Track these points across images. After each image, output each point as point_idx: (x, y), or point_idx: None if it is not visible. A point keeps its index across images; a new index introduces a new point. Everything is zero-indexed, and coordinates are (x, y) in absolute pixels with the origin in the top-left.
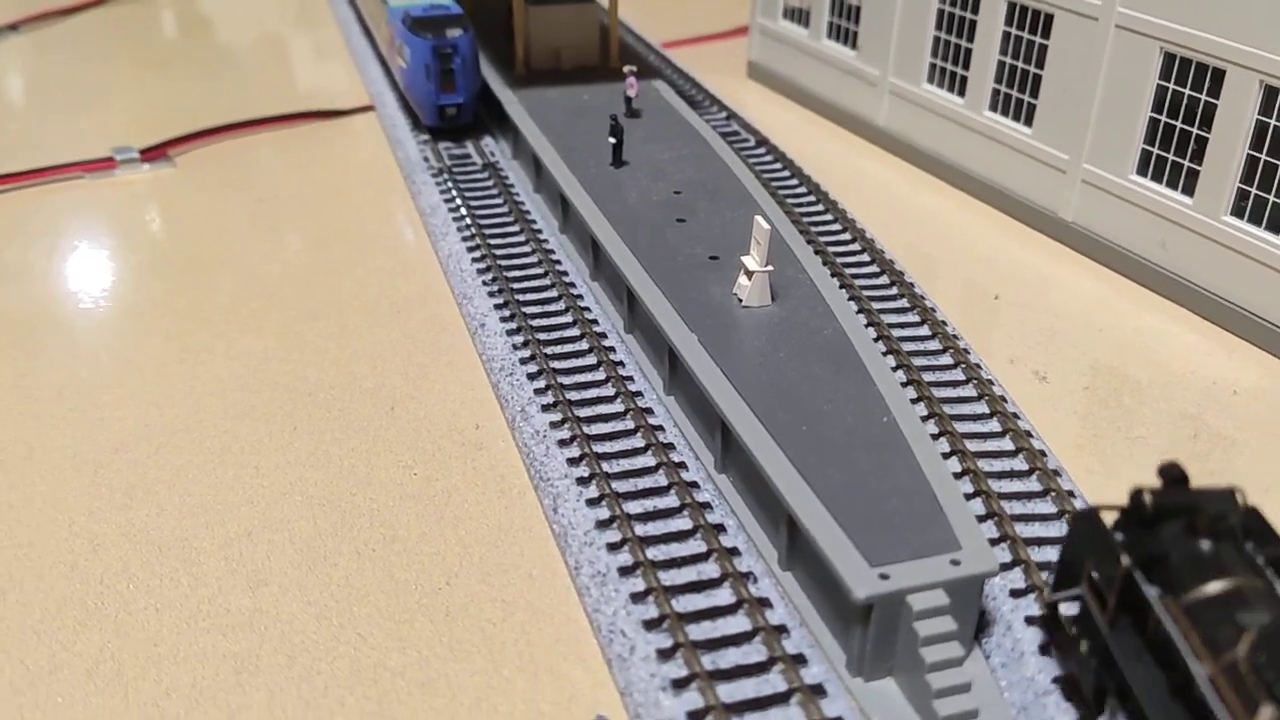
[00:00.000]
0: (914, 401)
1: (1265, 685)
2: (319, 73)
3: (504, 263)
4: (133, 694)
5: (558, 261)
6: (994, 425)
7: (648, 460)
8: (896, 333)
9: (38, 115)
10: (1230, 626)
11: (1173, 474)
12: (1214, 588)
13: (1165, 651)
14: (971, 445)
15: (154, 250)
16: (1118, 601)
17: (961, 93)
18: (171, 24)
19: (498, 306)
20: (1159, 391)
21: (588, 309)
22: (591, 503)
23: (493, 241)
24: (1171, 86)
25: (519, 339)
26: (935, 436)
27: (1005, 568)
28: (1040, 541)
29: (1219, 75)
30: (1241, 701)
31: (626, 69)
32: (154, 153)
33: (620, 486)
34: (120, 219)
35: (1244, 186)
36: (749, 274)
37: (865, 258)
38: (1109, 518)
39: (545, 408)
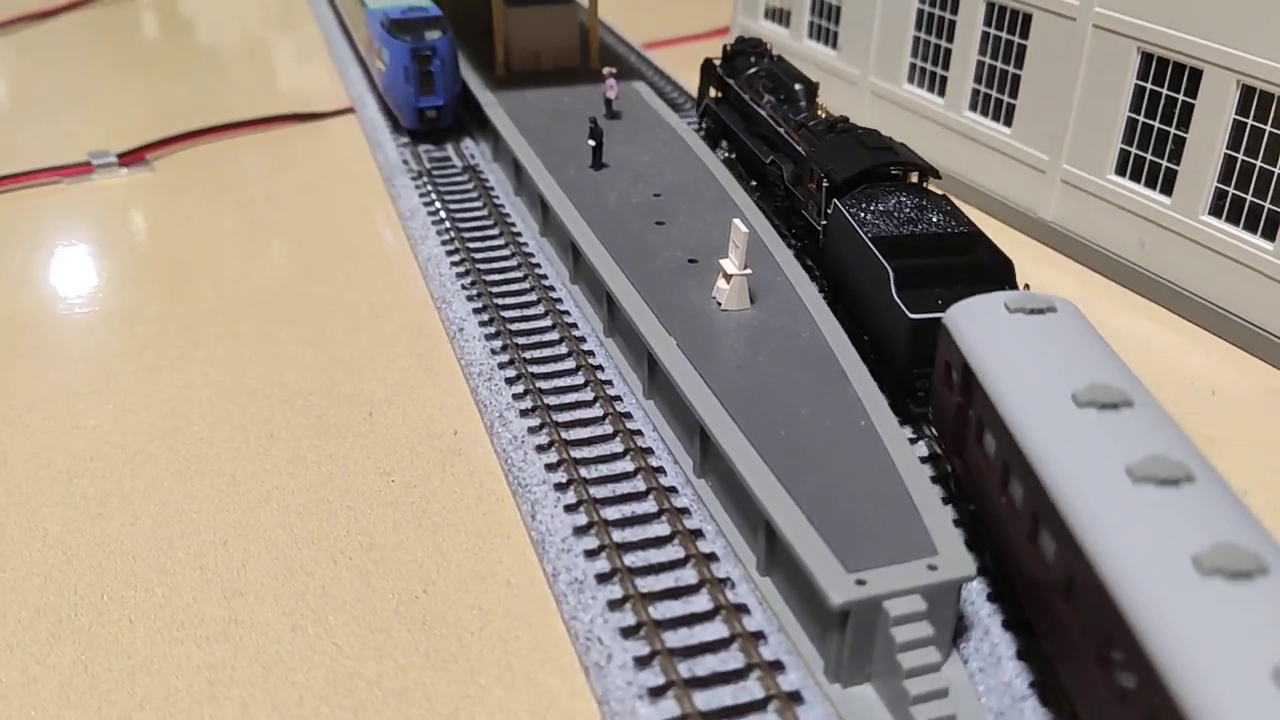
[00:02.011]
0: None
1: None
2: (299, 75)
3: (483, 267)
4: (106, 707)
5: (537, 265)
6: None
7: (626, 465)
8: None
9: (16, 119)
10: (761, 85)
11: (739, 45)
12: (751, 71)
13: (742, 109)
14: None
15: (131, 256)
16: (719, 89)
17: (941, 93)
18: (152, 26)
19: (476, 311)
20: None
21: (567, 313)
22: (569, 508)
23: (472, 245)
24: (1149, 86)
25: (498, 344)
26: (913, 440)
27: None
28: None
29: (1196, 75)
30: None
31: (606, 70)
32: (131, 157)
33: (598, 492)
34: (97, 224)
35: (1222, 186)
36: (727, 277)
37: None
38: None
39: (524, 413)
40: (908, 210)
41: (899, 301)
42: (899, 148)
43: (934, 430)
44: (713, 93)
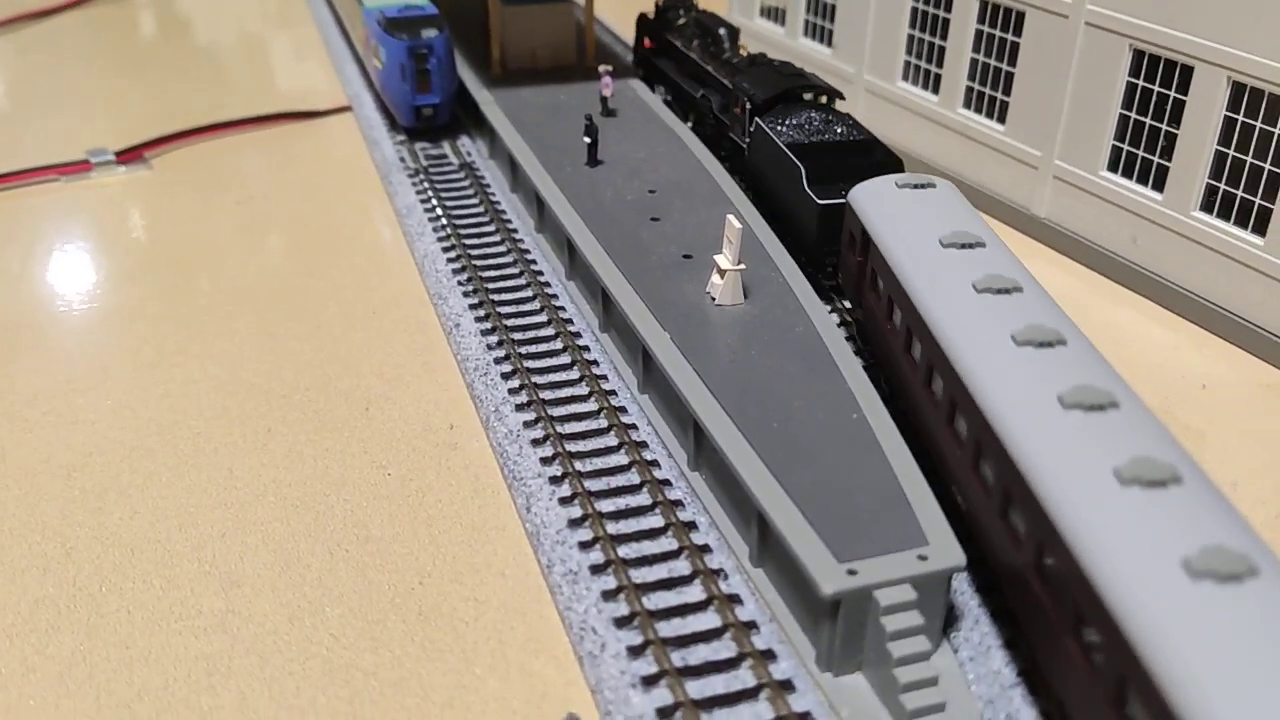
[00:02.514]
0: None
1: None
2: (297, 73)
3: (479, 263)
4: (105, 696)
5: (533, 261)
6: None
7: (620, 459)
8: None
9: (15, 117)
10: (689, 32)
11: (669, 1)
12: (681, 22)
13: (674, 55)
14: None
15: (129, 253)
16: (654, 40)
17: (936, 90)
18: (150, 24)
19: (472, 307)
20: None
21: (563, 308)
22: (564, 501)
23: (468, 242)
24: (1141, 83)
25: (493, 339)
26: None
27: None
28: None
29: (1187, 72)
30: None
31: (602, 69)
32: (130, 155)
33: (593, 485)
34: (95, 222)
35: (1213, 182)
36: (721, 272)
37: None
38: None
39: (519, 407)
40: (816, 124)
41: (809, 192)
42: (809, 75)
43: (845, 302)
44: (646, 43)
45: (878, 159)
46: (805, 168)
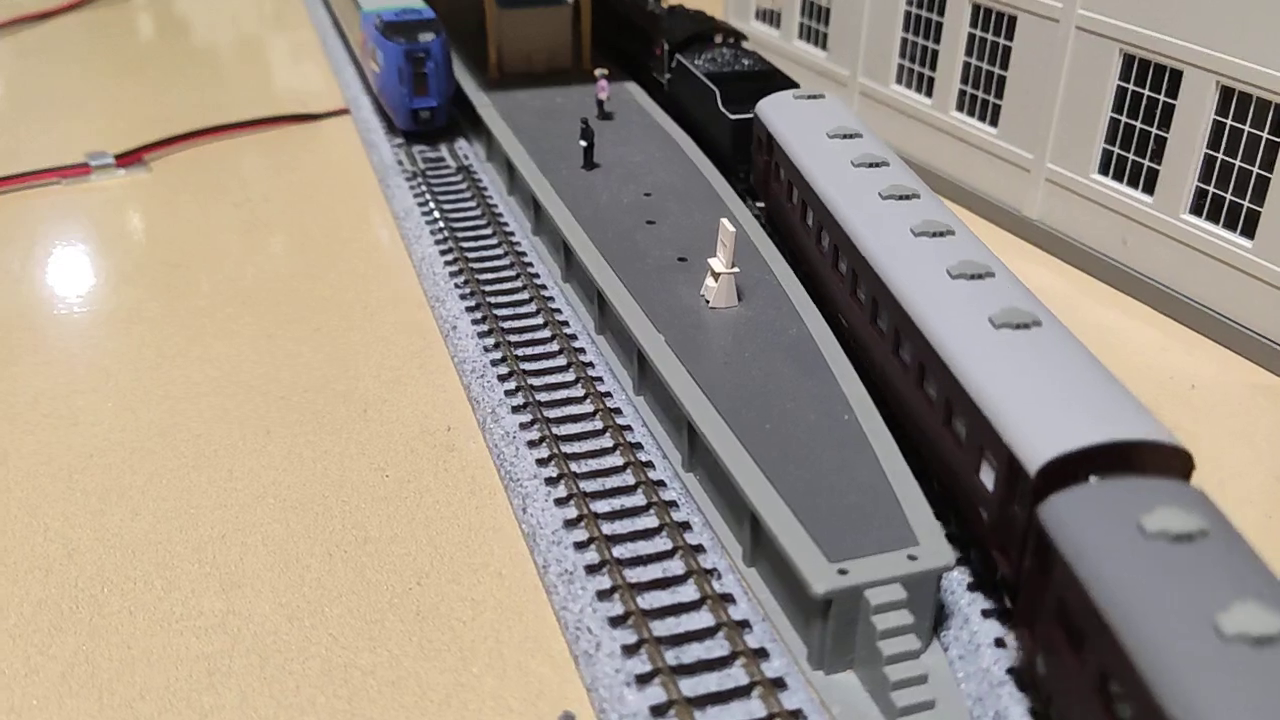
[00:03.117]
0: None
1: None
2: (295, 76)
3: (476, 265)
4: (107, 696)
5: (530, 264)
6: None
7: (615, 460)
8: None
9: (13, 120)
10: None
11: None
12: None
13: (609, 13)
14: None
15: (129, 255)
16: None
17: (929, 93)
18: (149, 27)
19: (469, 309)
20: None
21: (559, 310)
22: (560, 502)
23: (465, 244)
24: (1131, 87)
25: (490, 341)
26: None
27: None
28: None
29: (1177, 76)
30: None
31: (598, 72)
32: (129, 158)
33: (588, 486)
34: (95, 224)
35: (1202, 185)
36: (715, 275)
37: None
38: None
39: (515, 409)
40: (726, 58)
41: (724, 111)
42: (718, 21)
43: (757, 201)
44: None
45: (778, 84)
46: (719, 91)
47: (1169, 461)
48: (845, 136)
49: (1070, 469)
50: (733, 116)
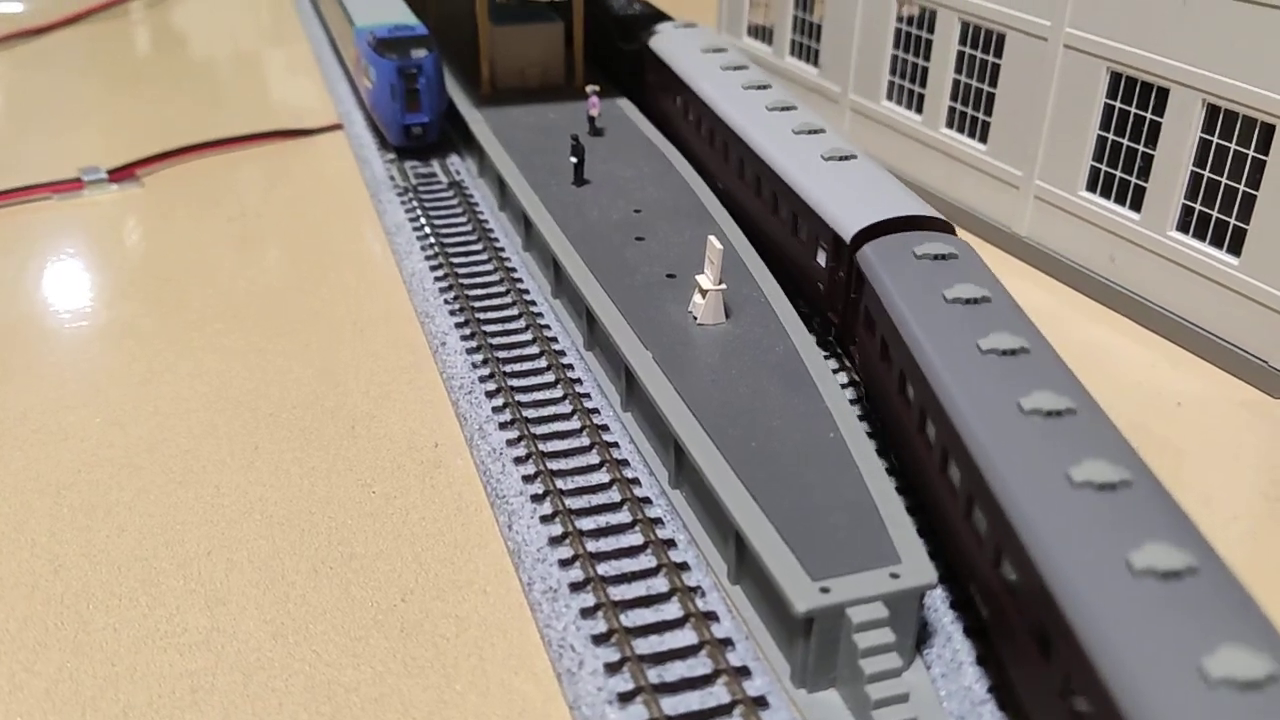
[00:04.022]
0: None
1: None
2: (289, 90)
3: (466, 281)
4: (90, 713)
5: (519, 280)
6: None
7: (601, 477)
8: None
9: (7, 135)
10: None
11: None
12: None
13: None
14: None
15: (120, 271)
16: None
17: (919, 110)
18: (145, 41)
19: (459, 325)
20: (1105, 402)
21: (548, 327)
22: (545, 519)
23: (455, 260)
24: (1118, 105)
25: (479, 357)
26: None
27: None
28: None
29: (1163, 94)
30: None
31: (589, 88)
32: (122, 173)
33: (574, 503)
34: (87, 240)
35: (1189, 203)
36: (703, 292)
37: None
38: None
39: (503, 425)
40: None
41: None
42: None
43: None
44: None
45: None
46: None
47: (937, 227)
48: (735, 69)
49: (871, 235)
50: (628, 48)
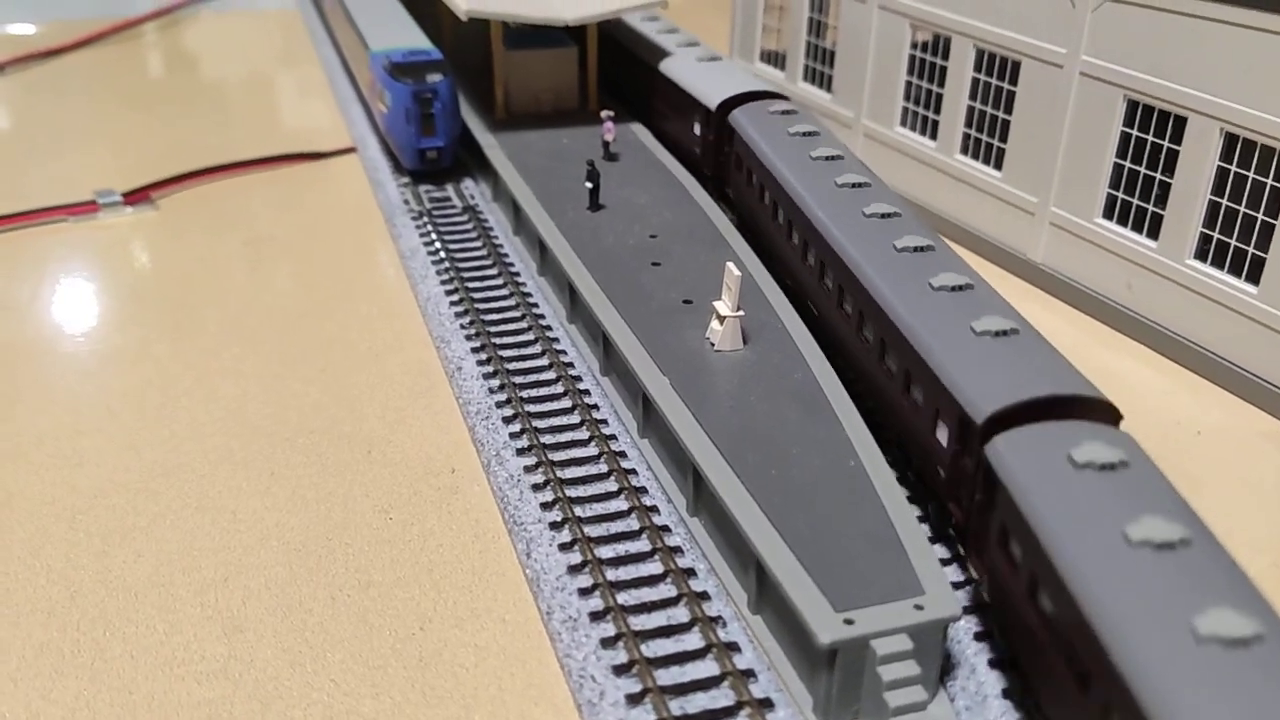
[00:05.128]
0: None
1: None
2: (303, 113)
3: (481, 306)
4: None
5: (535, 305)
6: None
7: (620, 504)
8: None
9: (22, 158)
10: None
11: None
12: None
13: None
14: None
15: (135, 294)
16: None
17: (933, 136)
18: (157, 63)
19: (474, 350)
20: (1124, 430)
21: (564, 352)
22: (564, 547)
23: (471, 285)
24: (1135, 133)
25: (495, 383)
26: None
27: None
28: None
29: (1181, 122)
30: None
31: (604, 113)
32: (136, 196)
33: (593, 531)
34: (102, 263)
35: (1206, 231)
36: (720, 319)
37: None
38: None
39: (520, 451)
40: None
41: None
42: None
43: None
44: None
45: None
46: None
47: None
48: (669, 32)
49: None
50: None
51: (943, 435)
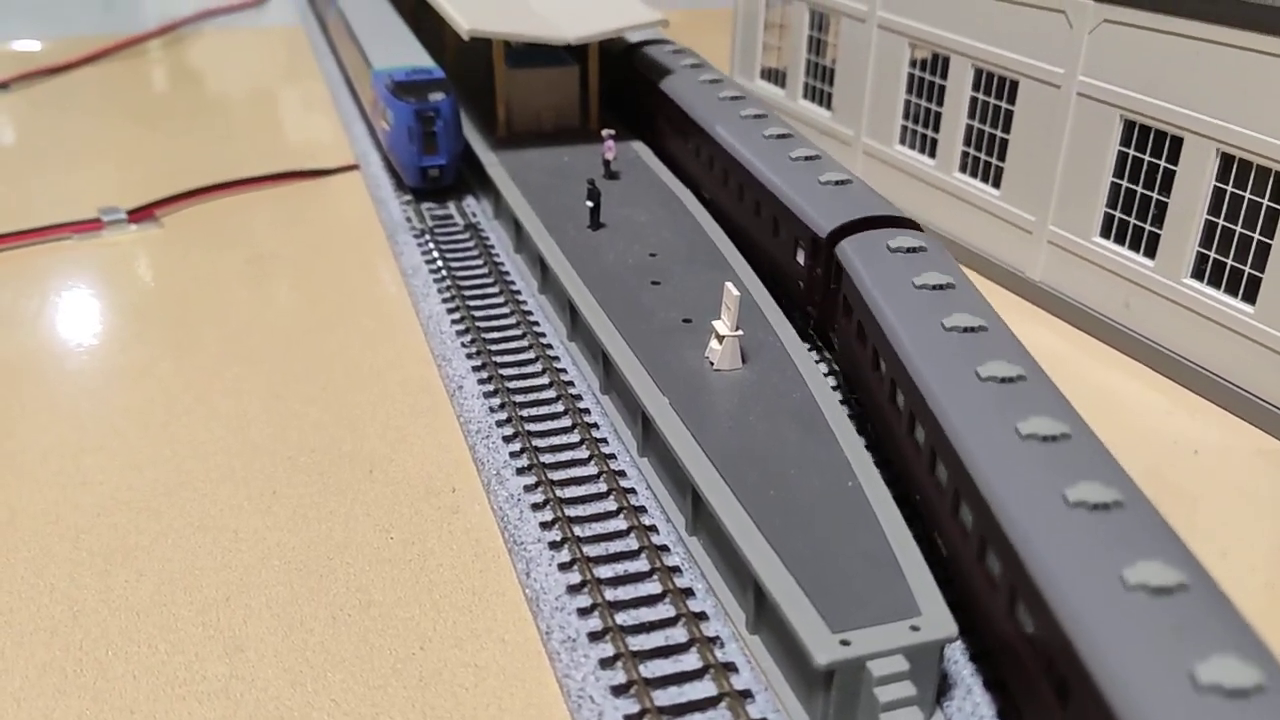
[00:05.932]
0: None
1: None
2: (306, 130)
3: (482, 324)
4: None
5: (535, 323)
6: None
7: (620, 524)
8: None
9: (27, 175)
10: None
11: None
12: None
13: None
14: None
15: (140, 312)
16: None
17: (932, 154)
18: (162, 80)
19: (475, 369)
20: (1121, 450)
21: (564, 370)
22: (563, 567)
23: (472, 303)
24: (1132, 153)
25: (496, 401)
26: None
27: None
28: None
29: (1177, 143)
30: None
31: (605, 132)
32: (141, 213)
33: (592, 550)
34: (107, 281)
35: (1203, 250)
36: (720, 338)
37: None
38: None
39: (520, 470)
40: None
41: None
42: None
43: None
44: None
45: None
46: None
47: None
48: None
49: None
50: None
51: (800, 256)
